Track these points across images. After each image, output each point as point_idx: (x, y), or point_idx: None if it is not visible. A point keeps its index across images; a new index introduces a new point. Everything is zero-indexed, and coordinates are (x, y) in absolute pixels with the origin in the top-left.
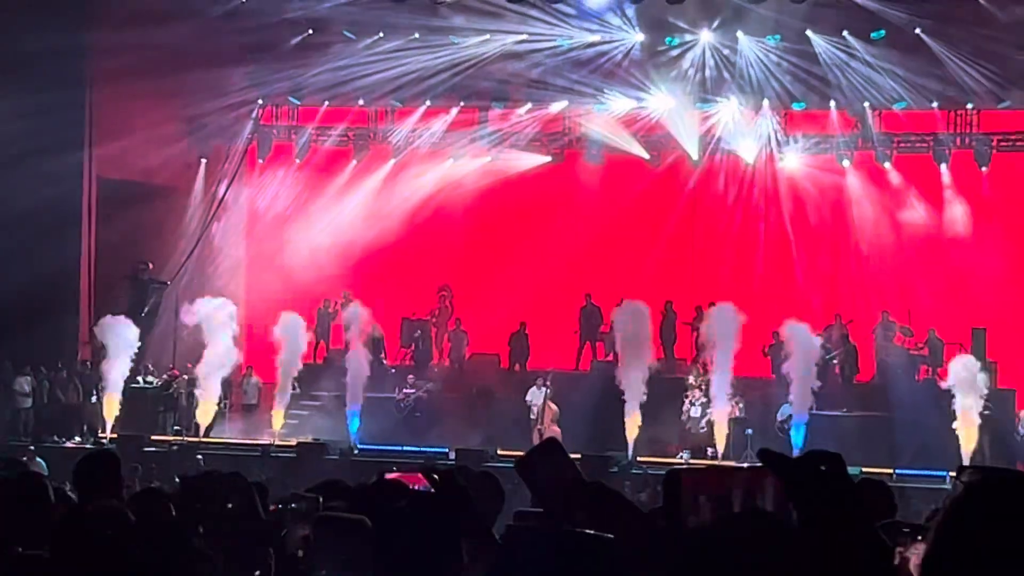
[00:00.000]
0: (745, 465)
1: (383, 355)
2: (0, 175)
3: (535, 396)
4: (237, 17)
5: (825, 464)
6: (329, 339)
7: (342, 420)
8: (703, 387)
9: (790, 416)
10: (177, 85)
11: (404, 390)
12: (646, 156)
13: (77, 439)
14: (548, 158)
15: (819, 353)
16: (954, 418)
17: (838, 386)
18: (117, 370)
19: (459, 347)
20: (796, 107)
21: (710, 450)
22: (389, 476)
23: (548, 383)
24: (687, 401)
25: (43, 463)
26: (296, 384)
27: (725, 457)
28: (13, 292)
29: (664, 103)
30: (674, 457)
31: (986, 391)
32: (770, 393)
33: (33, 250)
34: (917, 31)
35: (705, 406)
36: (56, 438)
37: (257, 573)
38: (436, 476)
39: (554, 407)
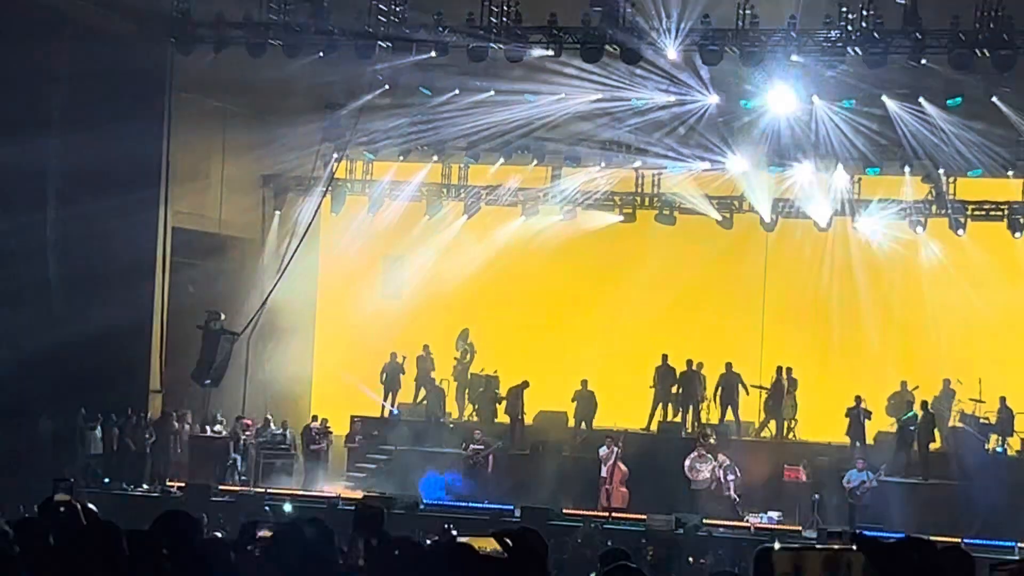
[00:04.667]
0: (836, 547)
1: (442, 408)
2: (77, 225)
3: (604, 455)
4: (315, 71)
5: (918, 553)
6: (397, 393)
7: (408, 474)
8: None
9: (862, 483)
10: (253, 138)
11: (472, 446)
12: (718, 217)
13: (145, 487)
14: (620, 217)
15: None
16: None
17: (907, 454)
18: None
19: (518, 404)
20: (870, 172)
21: (775, 515)
22: (461, 540)
23: (620, 443)
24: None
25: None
26: (361, 438)
27: (791, 521)
28: (87, 340)
29: (738, 165)
30: (741, 520)
31: None
32: (837, 458)
33: (108, 299)
34: (994, 99)
35: None
36: (124, 485)
37: None
38: (509, 541)
39: (624, 468)
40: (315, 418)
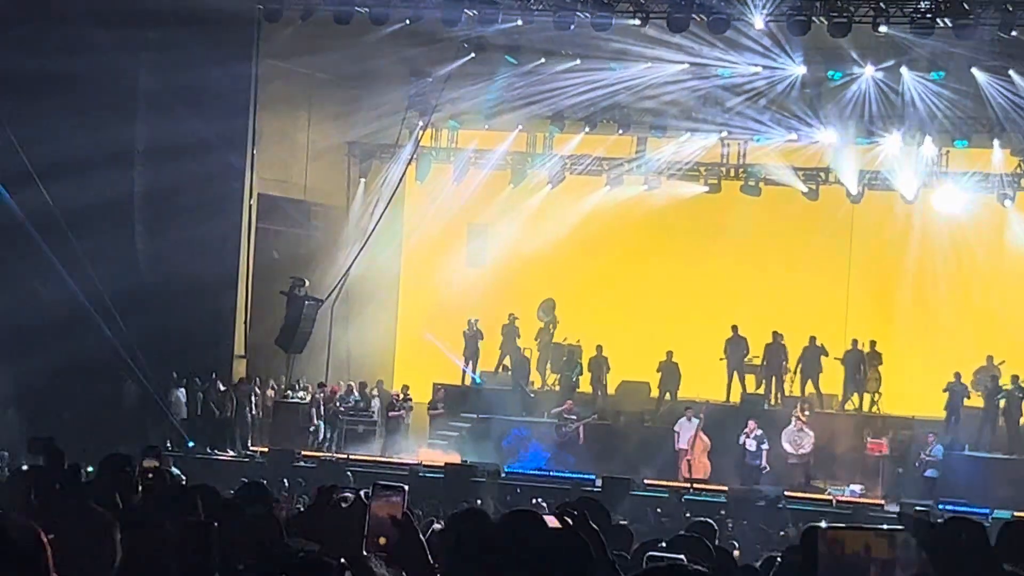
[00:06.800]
0: (885, 528)
1: (526, 377)
2: (164, 192)
3: (683, 426)
4: (400, 39)
5: (966, 532)
6: (477, 360)
7: (490, 442)
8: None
9: (919, 455)
10: (339, 105)
11: (567, 416)
12: (804, 189)
13: (230, 452)
14: (705, 188)
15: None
16: None
17: (993, 428)
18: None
19: (600, 374)
20: (958, 145)
21: (857, 488)
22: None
23: (701, 415)
24: (744, 435)
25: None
26: (444, 405)
27: (873, 495)
28: (172, 305)
29: (824, 136)
30: (823, 492)
31: None
32: (922, 432)
33: (193, 264)
34: None
35: None
36: (208, 450)
37: None
38: (569, 520)
39: (706, 439)
40: (380, 382)
